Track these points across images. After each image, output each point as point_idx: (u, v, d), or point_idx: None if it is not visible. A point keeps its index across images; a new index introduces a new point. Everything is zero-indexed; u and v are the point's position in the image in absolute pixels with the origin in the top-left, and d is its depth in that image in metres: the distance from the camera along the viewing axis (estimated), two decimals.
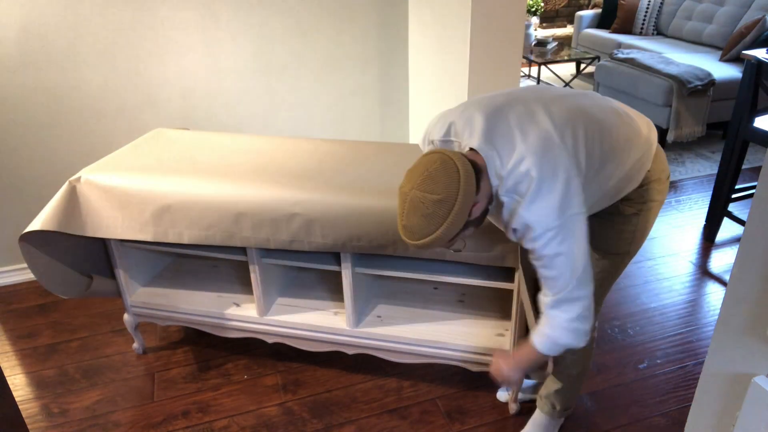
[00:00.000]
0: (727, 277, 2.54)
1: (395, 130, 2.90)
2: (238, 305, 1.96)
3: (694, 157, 3.80)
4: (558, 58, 4.92)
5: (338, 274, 2.11)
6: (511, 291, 1.82)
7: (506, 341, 1.78)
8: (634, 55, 4.27)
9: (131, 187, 1.73)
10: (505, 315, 1.89)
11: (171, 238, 1.75)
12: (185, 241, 1.74)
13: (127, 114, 2.47)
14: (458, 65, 2.23)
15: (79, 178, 1.76)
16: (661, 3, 5.36)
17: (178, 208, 1.70)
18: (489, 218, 1.36)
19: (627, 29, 5.49)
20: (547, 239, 1.17)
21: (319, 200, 1.60)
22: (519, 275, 1.56)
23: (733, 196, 2.78)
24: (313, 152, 1.88)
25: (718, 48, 4.81)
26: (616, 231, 1.43)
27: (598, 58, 5.07)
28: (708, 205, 3.12)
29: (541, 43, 5.35)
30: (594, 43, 5.68)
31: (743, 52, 2.56)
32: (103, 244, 2.01)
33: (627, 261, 1.48)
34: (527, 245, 1.22)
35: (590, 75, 5.93)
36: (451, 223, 1.12)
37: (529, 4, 6.35)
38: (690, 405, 1.53)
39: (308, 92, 2.67)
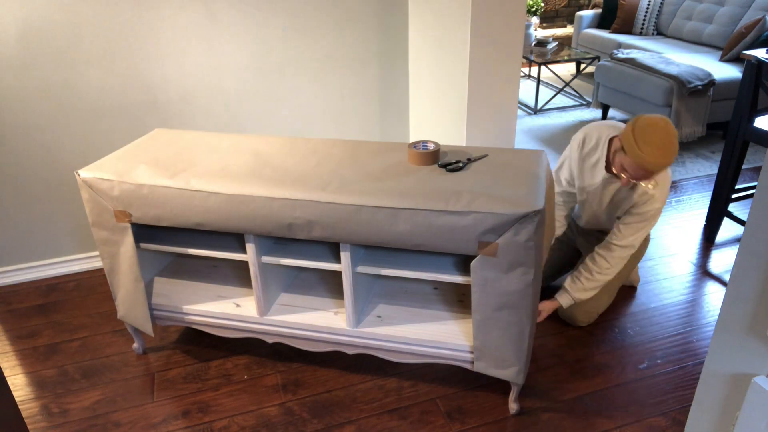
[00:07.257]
0: (727, 277, 2.54)
1: (395, 130, 2.90)
2: (238, 305, 1.96)
3: (694, 157, 3.80)
4: (558, 58, 4.92)
5: (338, 274, 2.11)
6: None
7: None
8: (634, 55, 4.27)
9: (130, 186, 1.73)
10: None
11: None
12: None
13: (127, 114, 2.47)
14: (458, 65, 2.23)
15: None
16: (661, 3, 5.36)
17: (175, 208, 1.70)
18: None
19: (627, 29, 5.50)
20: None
21: (318, 201, 1.60)
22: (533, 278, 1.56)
23: (733, 196, 2.78)
24: (312, 153, 1.88)
25: (718, 48, 4.81)
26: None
27: (598, 58, 5.07)
28: (708, 205, 3.12)
29: (541, 43, 5.35)
30: (594, 43, 5.68)
31: (743, 52, 2.56)
32: None
33: None
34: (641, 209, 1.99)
35: (590, 75, 5.93)
36: None
37: (529, 4, 6.35)
38: (690, 405, 1.53)
39: (308, 92, 2.67)
